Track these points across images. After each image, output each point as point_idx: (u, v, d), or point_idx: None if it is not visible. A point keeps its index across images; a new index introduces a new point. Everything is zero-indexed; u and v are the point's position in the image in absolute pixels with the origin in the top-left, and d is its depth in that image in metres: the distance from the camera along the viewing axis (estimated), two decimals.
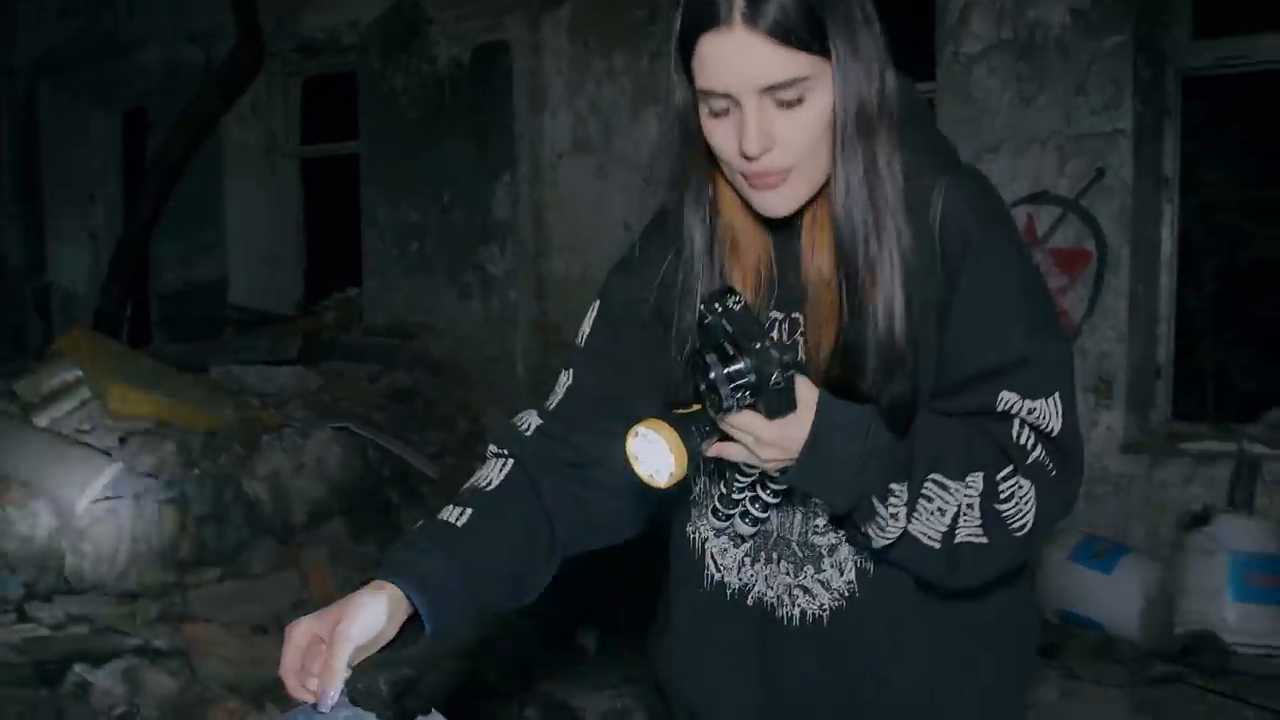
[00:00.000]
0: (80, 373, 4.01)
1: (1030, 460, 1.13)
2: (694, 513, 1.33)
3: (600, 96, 5.07)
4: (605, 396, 1.30)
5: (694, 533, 1.33)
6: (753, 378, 1.05)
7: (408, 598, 1.14)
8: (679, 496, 1.33)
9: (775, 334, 1.21)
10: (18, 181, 6.95)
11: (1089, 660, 3.37)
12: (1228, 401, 5.20)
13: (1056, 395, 1.14)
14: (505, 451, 1.31)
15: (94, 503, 3.73)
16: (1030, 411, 1.13)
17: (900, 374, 1.13)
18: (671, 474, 1.06)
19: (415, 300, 5.62)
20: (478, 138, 5.34)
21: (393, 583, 1.14)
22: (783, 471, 1.12)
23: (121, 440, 3.93)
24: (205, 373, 5.05)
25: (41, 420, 3.91)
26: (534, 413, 1.34)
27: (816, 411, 1.08)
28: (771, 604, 1.28)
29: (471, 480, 1.31)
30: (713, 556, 1.32)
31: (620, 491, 1.28)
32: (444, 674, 3.08)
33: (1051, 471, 1.14)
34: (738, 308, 1.07)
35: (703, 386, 1.06)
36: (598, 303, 1.35)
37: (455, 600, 1.18)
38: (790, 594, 1.27)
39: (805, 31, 1.08)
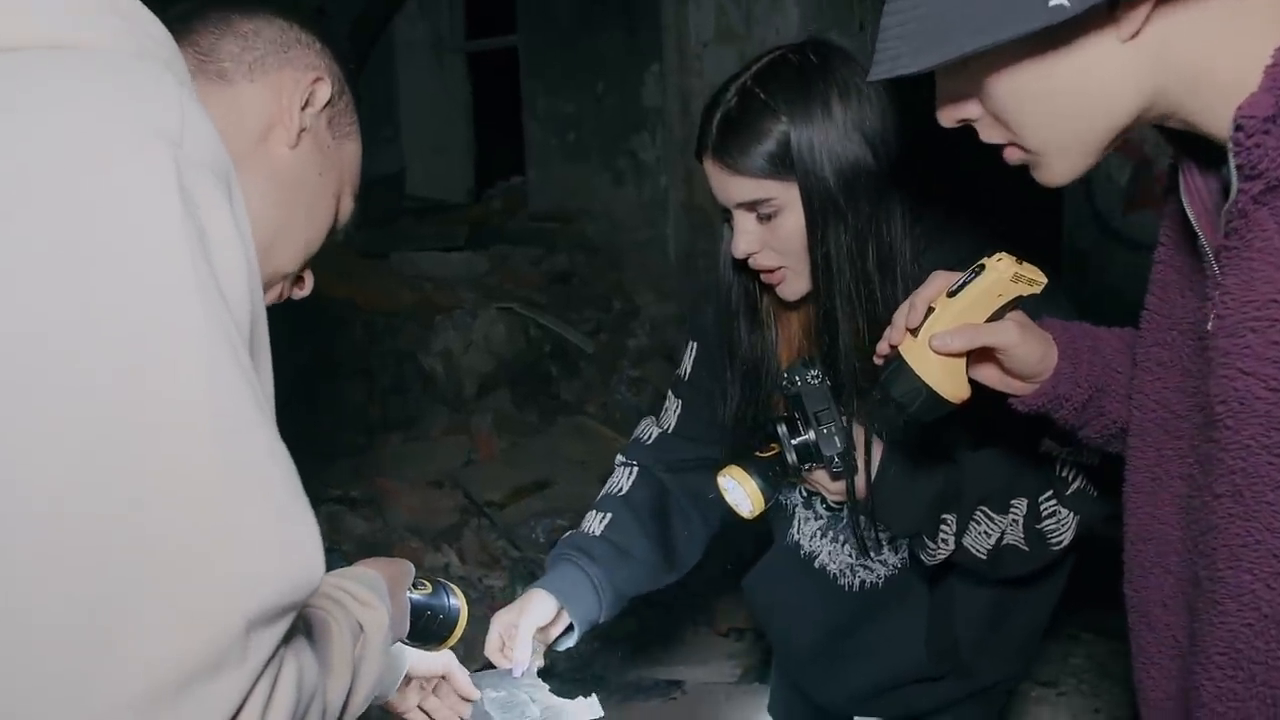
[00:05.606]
0: None
1: (1071, 490, 1.28)
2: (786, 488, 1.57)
3: None
4: (706, 421, 1.52)
5: (785, 499, 1.57)
6: (814, 452, 1.24)
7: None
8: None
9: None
10: None
11: None
12: None
13: None
14: (633, 461, 1.56)
15: (299, 373, 4.25)
16: (1070, 453, 1.26)
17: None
18: (750, 510, 1.31)
19: (573, 186, 5.75)
20: (627, 28, 5.39)
21: (547, 591, 1.42)
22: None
23: (317, 321, 4.44)
24: (386, 259, 5.52)
25: None
26: (652, 423, 1.59)
27: (876, 475, 1.27)
28: (834, 574, 1.52)
29: (606, 487, 1.56)
30: (798, 521, 1.55)
31: None
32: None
33: (1093, 493, 1.28)
34: (815, 384, 1.24)
35: (782, 447, 1.25)
36: (694, 343, 1.55)
37: (590, 603, 1.44)
38: (851, 569, 1.50)
39: (762, 162, 1.21)
